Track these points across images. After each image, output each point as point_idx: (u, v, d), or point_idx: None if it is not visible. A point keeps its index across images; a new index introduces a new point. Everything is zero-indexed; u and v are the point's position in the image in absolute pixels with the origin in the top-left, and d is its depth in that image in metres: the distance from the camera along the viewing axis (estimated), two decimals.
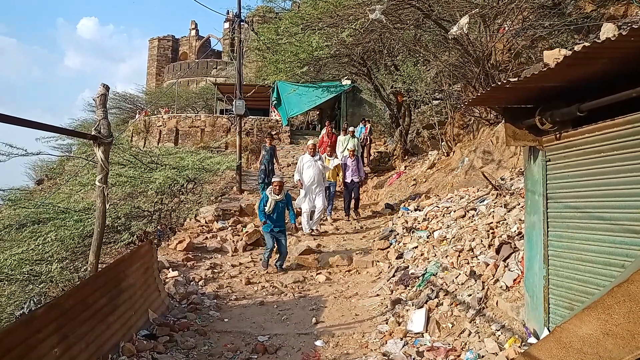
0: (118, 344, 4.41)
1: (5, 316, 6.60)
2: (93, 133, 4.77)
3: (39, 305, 6.04)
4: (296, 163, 17.23)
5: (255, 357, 4.76)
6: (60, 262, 7.58)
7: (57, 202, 10.20)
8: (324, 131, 16.94)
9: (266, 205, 7.67)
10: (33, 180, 30.23)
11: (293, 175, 15.52)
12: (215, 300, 6.51)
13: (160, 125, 24.27)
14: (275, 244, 7.83)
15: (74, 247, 8.60)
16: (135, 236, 9.27)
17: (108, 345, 4.27)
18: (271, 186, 7.80)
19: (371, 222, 10.55)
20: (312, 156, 9.92)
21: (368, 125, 16.69)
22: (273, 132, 20.59)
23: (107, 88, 4.99)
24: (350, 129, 14.15)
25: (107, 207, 4.96)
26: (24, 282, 7.00)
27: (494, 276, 5.07)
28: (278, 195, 7.68)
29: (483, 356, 4.02)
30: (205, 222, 10.49)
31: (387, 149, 17.29)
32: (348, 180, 10.63)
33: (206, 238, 9.59)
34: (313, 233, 9.71)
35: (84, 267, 7.29)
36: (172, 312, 5.79)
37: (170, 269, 7.48)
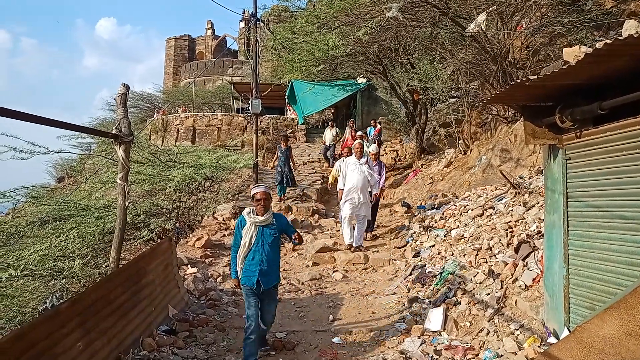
0: (139, 339, 4.49)
1: (29, 310, 6.75)
2: (114, 132, 4.85)
3: (61, 301, 6.17)
4: (312, 162, 17.34)
5: (273, 353, 4.81)
6: (81, 258, 7.71)
7: (78, 200, 10.37)
8: (328, 131, 16.83)
9: (243, 236, 4.47)
10: (54, 178, 30.76)
11: (311, 173, 15.63)
12: (234, 297, 6.58)
13: (178, 124, 24.53)
14: (258, 312, 4.42)
15: (95, 243, 8.74)
16: (154, 233, 9.39)
17: (129, 340, 4.36)
18: (250, 207, 4.62)
19: (387, 222, 10.52)
20: (359, 158, 8.42)
21: (379, 127, 16.54)
22: (288, 132, 20.69)
23: (127, 88, 5.06)
24: (359, 133, 13.46)
25: (127, 205, 5.04)
26: (46, 278, 7.15)
27: (512, 275, 5.03)
28: (262, 215, 4.47)
29: (502, 355, 4.00)
30: (223, 220, 10.60)
31: (403, 148, 17.23)
32: None
33: (224, 235, 9.70)
34: (361, 248, 8.31)
35: (105, 264, 7.42)
36: (191, 308, 5.87)
37: (189, 266, 7.57)
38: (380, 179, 9.14)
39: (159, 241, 7.66)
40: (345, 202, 8.31)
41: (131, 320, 4.48)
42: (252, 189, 4.69)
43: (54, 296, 6.91)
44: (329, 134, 16.81)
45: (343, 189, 8.43)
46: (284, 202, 11.80)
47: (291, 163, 12.52)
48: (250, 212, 4.53)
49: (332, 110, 26.93)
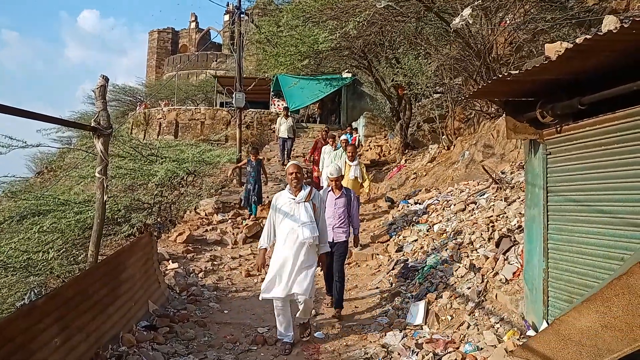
0: (118, 335, 4.42)
1: (6, 307, 6.63)
2: (92, 124, 4.76)
3: (39, 296, 6.06)
4: (297, 156, 17.02)
5: (255, 348, 4.78)
6: (58, 252, 7.60)
7: (57, 194, 10.20)
8: (282, 121, 14.35)
9: None
10: (33, 172, 30.24)
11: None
12: (215, 292, 6.53)
13: (160, 118, 24.23)
14: None
15: (74, 238, 8.62)
16: (135, 228, 9.29)
17: (108, 336, 4.29)
18: None
19: (371, 217, 10.53)
20: (295, 192, 4.75)
21: (355, 135, 16.25)
22: (272, 126, 20.52)
23: (106, 79, 4.97)
24: (343, 137, 11.34)
25: (107, 199, 4.96)
26: (24, 273, 7.02)
27: (493, 269, 5.08)
28: None
29: (482, 348, 4.03)
30: (205, 215, 10.51)
31: (387, 143, 17.27)
32: (329, 238, 5.17)
33: (206, 230, 9.62)
34: (303, 338, 4.91)
35: (83, 258, 7.31)
36: (172, 303, 5.81)
37: (170, 261, 7.50)
38: (352, 219, 5.93)
39: (139, 236, 7.57)
40: (274, 276, 4.72)
41: (110, 316, 4.41)
42: None
43: (32, 292, 6.81)
44: (283, 125, 14.35)
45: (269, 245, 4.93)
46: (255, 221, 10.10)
47: (263, 176, 10.72)
48: None
49: (318, 104, 26.88)
